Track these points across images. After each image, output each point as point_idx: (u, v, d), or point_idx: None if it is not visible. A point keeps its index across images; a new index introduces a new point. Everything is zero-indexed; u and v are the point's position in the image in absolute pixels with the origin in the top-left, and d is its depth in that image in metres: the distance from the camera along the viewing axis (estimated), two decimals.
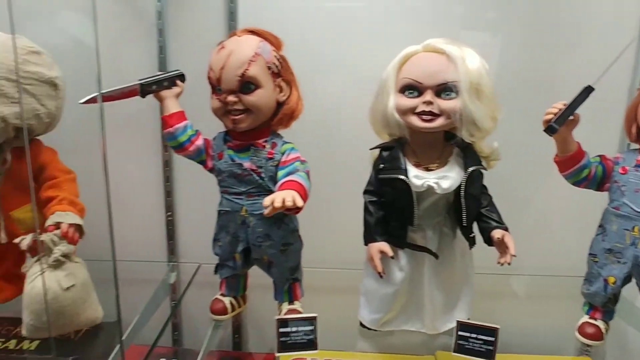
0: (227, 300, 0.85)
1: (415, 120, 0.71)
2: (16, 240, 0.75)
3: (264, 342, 0.88)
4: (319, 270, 0.96)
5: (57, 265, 0.75)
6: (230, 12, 0.95)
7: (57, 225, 0.76)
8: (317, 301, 0.86)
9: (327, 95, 0.99)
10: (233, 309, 0.85)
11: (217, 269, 0.84)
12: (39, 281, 0.75)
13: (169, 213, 1.03)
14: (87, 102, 0.70)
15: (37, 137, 0.84)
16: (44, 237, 0.75)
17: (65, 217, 0.77)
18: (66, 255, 0.76)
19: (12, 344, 0.96)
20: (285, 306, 0.82)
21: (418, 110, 0.71)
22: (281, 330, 0.74)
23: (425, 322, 0.80)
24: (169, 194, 1.02)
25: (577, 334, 0.82)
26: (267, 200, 0.66)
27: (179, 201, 1.03)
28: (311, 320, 0.75)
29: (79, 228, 0.78)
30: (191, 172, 0.91)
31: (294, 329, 0.75)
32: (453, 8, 0.98)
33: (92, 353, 0.90)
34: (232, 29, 0.94)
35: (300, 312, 0.82)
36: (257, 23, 0.78)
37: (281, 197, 0.66)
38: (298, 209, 0.69)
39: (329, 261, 1.00)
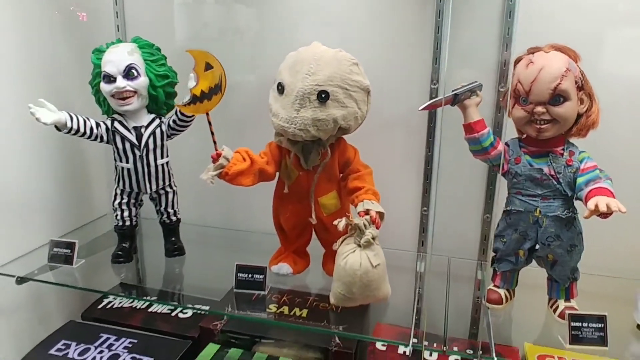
0: (501, 292, 0.92)
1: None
2: (335, 222, 0.89)
3: (527, 336, 0.95)
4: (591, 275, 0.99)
5: (368, 245, 0.88)
6: (506, 31, 1.02)
7: (367, 212, 0.89)
8: (586, 305, 0.90)
9: None
10: (506, 300, 0.93)
11: (495, 262, 0.93)
12: (352, 258, 0.88)
13: (425, 208, 1.13)
14: (424, 108, 0.82)
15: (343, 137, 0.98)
16: (358, 220, 0.88)
17: (372, 205, 0.90)
18: (374, 238, 0.89)
19: (285, 309, 1.13)
20: (562, 303, 0.88)
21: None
22: (573, 324, 0.81)
23: None
24: (426, 190, 1.12)
25: None
26: (591, 204, 0.73)
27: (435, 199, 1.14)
28: (601, 318, 0.81)
29: (381, 215, 0.90)
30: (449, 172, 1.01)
31: (585, 324, 0.81)
32: None
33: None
34: (505, 47, 1.02)
35: (576, 310, 0.87)
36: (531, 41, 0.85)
37: (604, 203, 0.72)
38: (609, 214, 0.75)
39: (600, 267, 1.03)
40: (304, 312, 1.12)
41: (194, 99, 0.86)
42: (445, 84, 0.89)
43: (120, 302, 1.23)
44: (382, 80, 1.00)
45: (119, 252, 1.07)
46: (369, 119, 0.94)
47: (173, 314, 1.18)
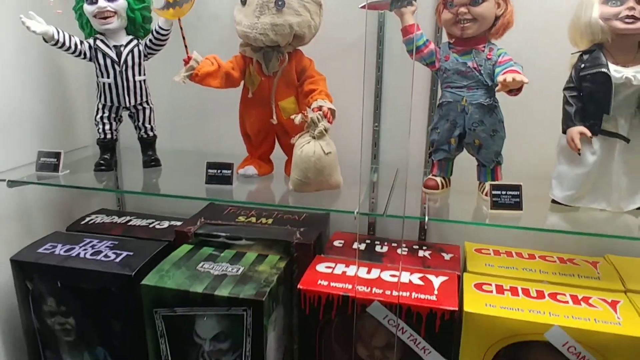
0: (438, 179, 1.06)
1: (619, 24, 0.89)
2: (292, 116, 1.02)
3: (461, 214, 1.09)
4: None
5: (320, 136, 1.01)
6: None
7: (320, 108, 1.02)
8: None
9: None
10: (442, 187, 1.07)
11: (432, 153, 1.06)
12: (307, 147, 1.01)
13: (376, 124, 1.27)
14: (364, 7, 0.96)
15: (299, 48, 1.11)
16: (312, 114, 1.01)
17: (325, 103, 1.03)
18: (326, 130, 1.02)
19: (253, 219, 1.25)
20: (488, 185, 1.02)
21: (621, 15, 0.88)
22: (494, 192, 0.95)
23: (611, 202, 0.97)
24: (377, 107, 1.26)
25: None
26: (499, 78, 0.87)
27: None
28: (517, 187, 0.96)
29: (333, 112, 1.03)
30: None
31: (503, 192, 0.95)
32: None
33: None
34: None
35: None
36: None
37: (511, 76, 0.86)
38: (519, 90, 0.89)
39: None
40: (270, 221, 1.25)
41: (168, 5, 0.99)
42: None
43: (101, 219, 1.34)
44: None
45: (101, 162, 1.18)
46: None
47: (150, 225, 1.30)
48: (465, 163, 1.09)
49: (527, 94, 0.95)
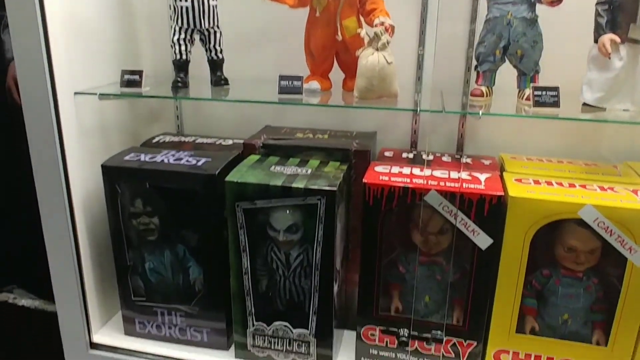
0: (483, 88, 1.21)
1: None
2: (358, 30, 1.16)
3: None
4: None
5: (383, 48, 1.15)
6: None
7: (382, 24, 1.16)
8: None
9: None
10: (487, 95, 1.22)
11: (478, 65, 1.21)
12: (372, 57, 1.15)
13: (420, 47, 1.41)
14: None
15: None
16: (376, 29, 1.15)
17: (386, 19, 1.17)
18: (387, 43, 1.16)
19: (309, 135, 1.39)
20: (528, 90, 1.17)
21: None
22: (535, 92, 1.11)
23: (634, 102, 1.12)
24: (422, 31, 1.40)
25: None
26: None
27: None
28: (555, 88, 1.11)
29: (393, 28, 1.17)
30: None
31: (544, 92, 1.10)
32: None
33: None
34: None
35: None
36: None
37: None
38: (560, 1, 1.04)
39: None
40: (325, 136, 1.40)
41: None
42: None
43: (170, 139, 1.48)
44: None
45: (178, 80, 1.32)
46: None
47: (217, 142, 1.44)
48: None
49: (563, 8, 1.10)
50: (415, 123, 1.46)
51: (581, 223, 1.08)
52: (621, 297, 1.10)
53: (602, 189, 1.13)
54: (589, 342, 1.16)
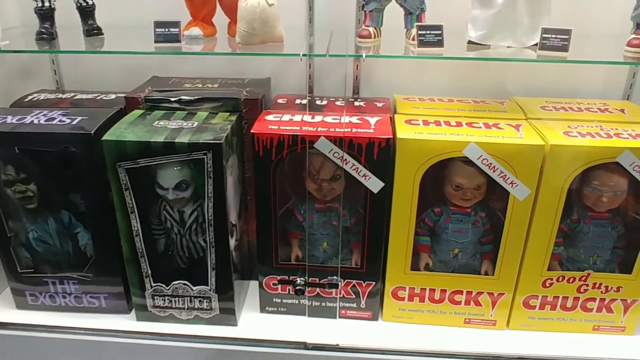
0: (370, 29, 1.18)
1: None
2: None
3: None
4: None
5: None
6: None
7: None
8: None
9: None
10: (374, 36, 1.19)
11: (364, 4, 1.17)
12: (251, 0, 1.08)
13: None
14: None
15: None
16: None
17: None
18: None
19: (199, 85, 1.31)
20: (414, 30, 1.15)
21: None
22: (419, 32, 1.09)
23: (515, 39, 1.13)
24: None
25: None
26: None
27: None
28: (439, 27, 1.09)
29: None
30: None
31: (428, 31, 1.09)
32: None
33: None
34: None
35: None
36: None
37: None
38: None
39: None
40: (215, 85, 1.33)
41: None
42: None
43: (45, 96, 1.36)
44: None
45: (42, 31, 1.18)
46: None
47: (97, 98, 1.34)
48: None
49: None
50: (310, 67, 1.41)
51: (466, 161, 1.10)
52: (505, 228, 1.15)
53: (487, 126, 1.15)
54: (478, 273, 1.23)
